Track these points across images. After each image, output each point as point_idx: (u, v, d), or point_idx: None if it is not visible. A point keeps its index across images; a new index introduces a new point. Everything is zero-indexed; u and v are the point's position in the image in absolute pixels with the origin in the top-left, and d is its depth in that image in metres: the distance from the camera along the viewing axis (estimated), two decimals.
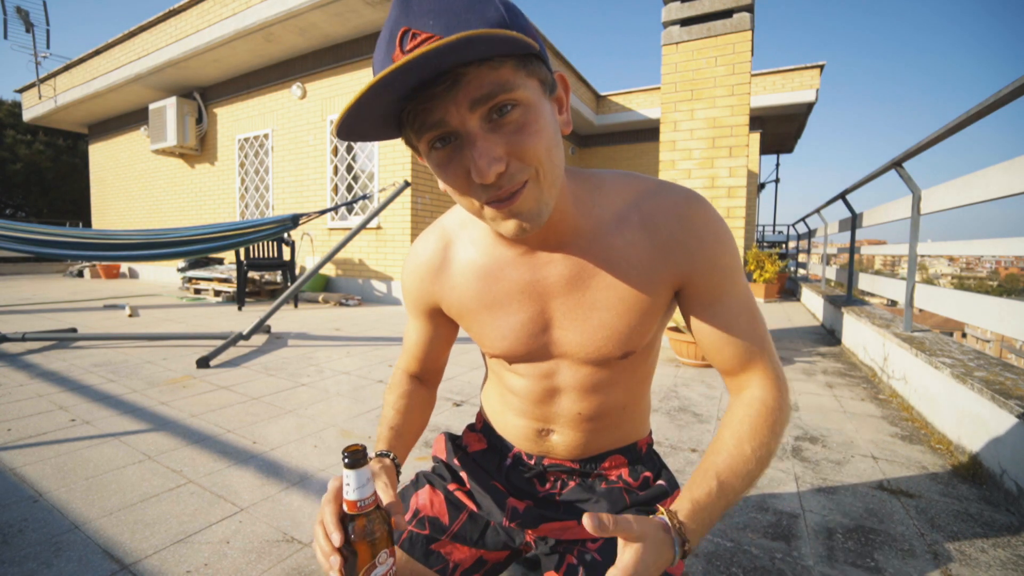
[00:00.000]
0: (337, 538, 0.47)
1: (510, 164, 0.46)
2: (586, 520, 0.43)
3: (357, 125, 0.45)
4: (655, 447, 0.82)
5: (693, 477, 0.55)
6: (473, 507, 0.75)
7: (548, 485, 0.74)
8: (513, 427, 0.74)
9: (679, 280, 0.60)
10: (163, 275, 8.78)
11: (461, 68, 0.42)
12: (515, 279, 0.62)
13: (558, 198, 0.55)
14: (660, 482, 0.75)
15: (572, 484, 0.74)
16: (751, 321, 0.61)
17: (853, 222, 4.23)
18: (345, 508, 0.48)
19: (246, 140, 7.40)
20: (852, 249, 4.37)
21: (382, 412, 0.73)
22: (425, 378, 0.81)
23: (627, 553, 0.46)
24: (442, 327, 0.75)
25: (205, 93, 7.85)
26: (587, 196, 0.60)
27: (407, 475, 1.53)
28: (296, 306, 5.59)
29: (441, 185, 0.51)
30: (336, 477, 0.52)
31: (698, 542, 0.52)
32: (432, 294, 0.70)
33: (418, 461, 1.66)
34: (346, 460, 0.47)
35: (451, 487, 0.76)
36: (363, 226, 3.37)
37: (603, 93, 10.21)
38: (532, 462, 0.75)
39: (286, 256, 5.92)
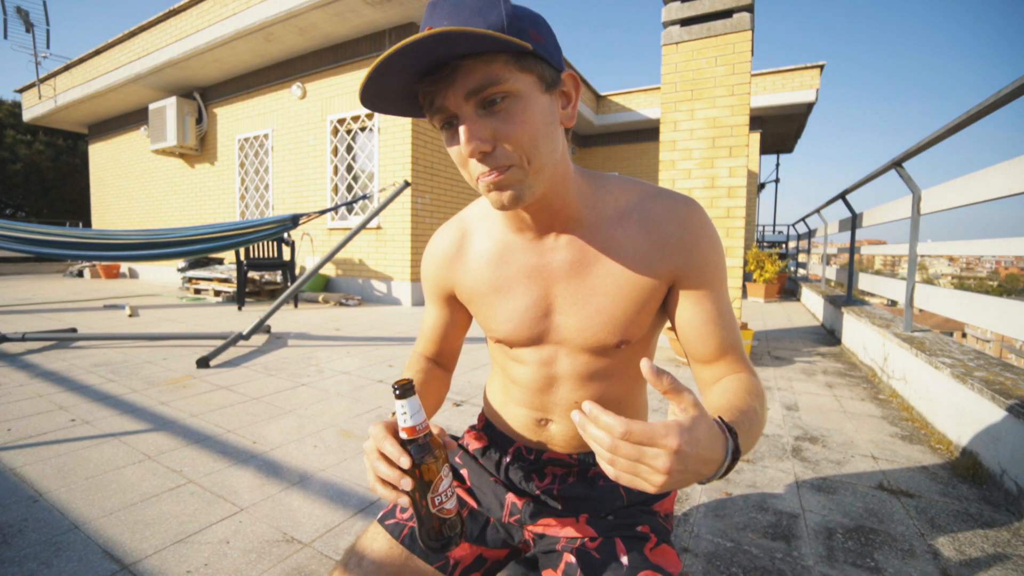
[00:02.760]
0: (406, 461, 0.51)
1: (497, 148, 0.52)
2: (644, 364, 0.44)
3: (381, 101, 0.54)
4: None
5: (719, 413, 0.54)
6: (473, 504, 0.76)
7: (547, 480, 0.75)
8: (514, 417, 0.76)
9: (673, 275, 0.64)
10: (163, 275, 8.78)
11: (458, 61, 0.49)
12: (522, 263, 0.67)
13: (560, 189, 0.61)
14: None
15: (570, 480, 0.74)
16: (731, 319, 0.66)
17: (853, 222, 4.23)
18: (404, 436, 0.53)
19: (246, 140, 7.40)
20: (852, 249, 4.37)
21: None
22: (441, 361, 0.84)
23: (683, 415, 0.44)
24: (457, 313, 0.80)
25: (205, 93, 7.85)
26: (592, 192, 0.65)
27: None
28: (296, 306, 5.59)
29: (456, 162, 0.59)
30: (379, 423, 0.55)
31: (742, 454, 0.50)
32: (447, 279, 0.75)
33: None
34: (397, 392, 0.52)
35: (453, 483, 0.77)
36: (363, 226, 3.37)
37: (603, 93, 10.21)
38: (532, 457, 0.76)
39: (286, 256, 5.92)
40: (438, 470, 0.53)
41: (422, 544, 0.55)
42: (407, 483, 0.51)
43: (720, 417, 0.50)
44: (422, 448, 0.53)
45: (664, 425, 0.41)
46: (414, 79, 0.51)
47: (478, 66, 0.49)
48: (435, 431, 0.56)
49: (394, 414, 0.54)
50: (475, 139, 0.51)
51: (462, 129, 0.51)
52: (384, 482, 0.53)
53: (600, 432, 0.43)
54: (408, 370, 0.78)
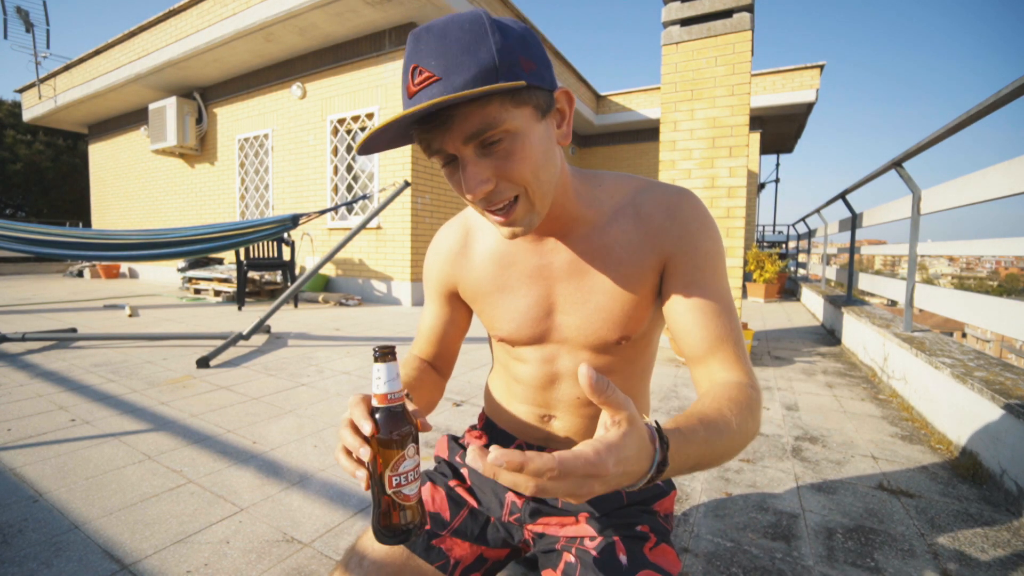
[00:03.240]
0: (368, 427, 0.47)
1: (499, 184, 0.53)
2: (582, 371, 0.39)
3: (377, 147, 0.55)
4: None
5: (674, 419, 0.51)
6: (473, 503, 0.76)
7: None
8: (518, 414, 0.77)
9: (662, 262, 0.63)
10: (163, 275, 8.78)
11: (452, 110, 0.49)
12: (525, 263, 0.68)
13: (560, 197, 0.62)
14: (657, 482, 0.76)
15: None
16: (725, 312, 0.62)
17: (853, 222, 4.23)
18: (375, 402, 0.49)
19: (246, 140, 7.40)
20: (852, 249, 4.37)
21: None
22: (436, 364, 0.81)
23: (613, 430, 0.40)
24: (457, 312, 0.79)
25: (205, 93, 7.85)
26: (588, 192, 0.66)
27: None
28: (296, 306, 5.59)
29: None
30: (357, 393, 0.52)
31: (673, 471, 0.46)
32: (451, 276, 0.75)
33: None
34: (376, 354, 0.48)
35: (452, 483, 0.78)
36: (363, 226, 3.37)
37: (603, 93, 10.21)
38: None
39: (286, 256, 5.92)
40: (402, 446, 0.48)
41: (373, 529, 0.50)
42: (365, 452, 0.47)
43: (656, 423, 0.45)
44: (390, 418, 0.48)
45: (595, 452, 0.37)
46: (409, 127, 0.52)
47: (473, 111, 0.49)
48: (410, 406, 0.52)
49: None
50: (478, 183, 0.52)
51: (464, 175, 0.52)
52: (348, 454, 0.49)
53: (521, 478, 0.36)
54: (401, 368, 0.75)
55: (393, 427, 0.48)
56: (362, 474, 0.48)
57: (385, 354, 0.48)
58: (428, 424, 0.51)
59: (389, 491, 0.48)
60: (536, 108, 0.53)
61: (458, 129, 0.50)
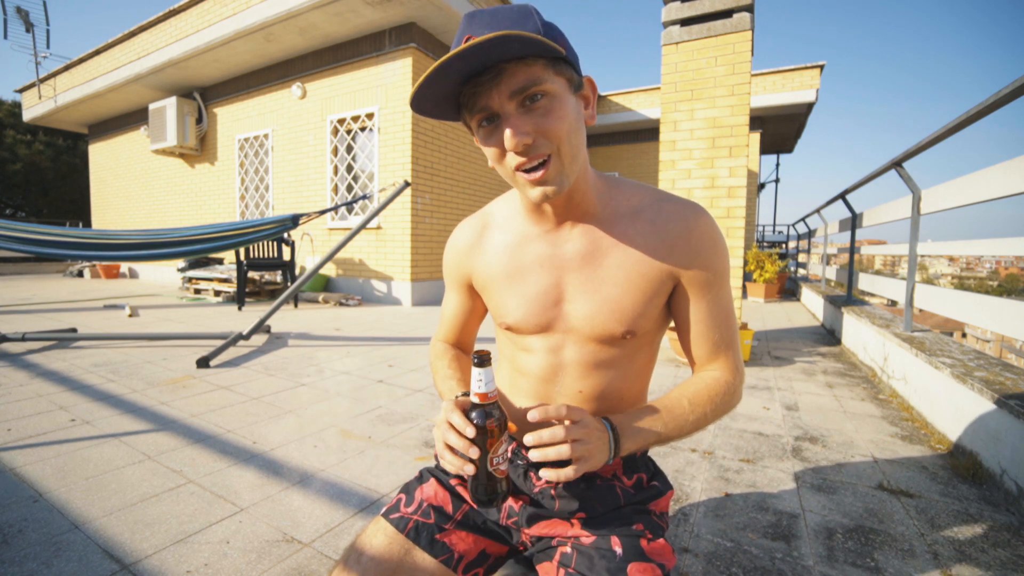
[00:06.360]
0: (471, 431, 0.59)
1: (536, 140, 0.58)
2: (531, 414, 0.59)
3: (427, 102, 0.60)
4: (653, 449, 0.85)
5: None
6: (473, 504, 0.76)
7: (544, 480, 0.75)
8: (520, 410, 0.77)
9: (678, 273, 0.69)
10: (163, 275, 8.78)
11: (503, 64, 0.55)
12: (537, 252, 0.72)
13: (580, 182, 0.67)
14: (654, 483, 0.76)
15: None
16: (728, 320, 0.72)
17: (853, 222, 4.23)
18: (477, 400, 0.60)
19: (246, 140, 7.40)
20: (852, 249, 4.37)
21: (437, 375, 0.83)
22: (461, 348, 0.90)
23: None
24: (475, 300, 0.85)
25: (205, 93, 7.85)
26: (607, 190, 0.72)
27: (410, 474, 1.53)
28: (296, 306, 5.59)
29: (490, 162, 0.64)
30: (450, 400, 0.63)
31: (629, 446, 0.63)
32: (466, 267, 0.81)
33: (418, 461, 1.66)
34: (476, 360, 0.59)
35: (453, 481, 0.79)
36: (363, 226, 3.37)
37: (603, 93, 10.21)
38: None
39: (286, 256, 5.92)
40: (500, 434, 0.60)
41: (471, 497, 0.63)
42: (474, 452, 0.58)
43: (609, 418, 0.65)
44: (490, 414, 0.59)
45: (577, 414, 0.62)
46: (460, 83, 0.57)
47: (520, 69, 0.56)
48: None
49: (459, 396, 0.65)
50: (519, 134, 0.57)
51: (508, 128, 0.57)
52: (452, 450, 0.61)
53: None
54: (440, 359, 0.84)
55: (492, 421, 0.59)
56: (470, 468, 0.59)
57: (484, 360, 0.59)
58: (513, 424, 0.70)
59: (490, 469, 0.60)
60: (570, 82, 0.61)
61: (506, 83, 0.56)
